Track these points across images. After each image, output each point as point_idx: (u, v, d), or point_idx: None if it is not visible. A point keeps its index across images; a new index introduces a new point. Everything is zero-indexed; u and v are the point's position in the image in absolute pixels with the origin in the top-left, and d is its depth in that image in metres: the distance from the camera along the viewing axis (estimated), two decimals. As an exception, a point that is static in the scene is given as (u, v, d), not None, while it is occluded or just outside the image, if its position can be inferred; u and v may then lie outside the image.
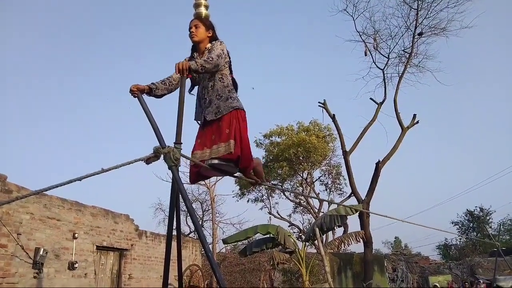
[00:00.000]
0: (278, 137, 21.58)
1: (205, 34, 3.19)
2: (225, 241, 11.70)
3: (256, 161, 3.27)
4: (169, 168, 2.63)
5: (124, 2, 59.43)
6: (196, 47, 3.25)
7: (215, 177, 17.60)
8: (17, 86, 49.07)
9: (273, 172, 21.18)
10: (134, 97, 2.92)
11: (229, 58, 3.20)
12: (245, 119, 3.10)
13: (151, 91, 3.02)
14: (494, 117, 62.71)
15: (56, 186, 1.85)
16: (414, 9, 13.84)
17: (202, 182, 18.15)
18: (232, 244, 19.43)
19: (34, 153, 46.78)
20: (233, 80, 3.25)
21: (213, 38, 3.22)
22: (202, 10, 3.43)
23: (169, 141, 2.69)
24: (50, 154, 47.96)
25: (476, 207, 33.03)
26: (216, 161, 2.94)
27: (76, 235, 8.68)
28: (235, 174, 3.27)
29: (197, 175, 3.19)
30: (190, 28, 3.18)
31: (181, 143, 2.70)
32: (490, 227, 31.42)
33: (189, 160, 2.97)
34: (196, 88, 3.30)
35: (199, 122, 3.22)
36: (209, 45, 3.17)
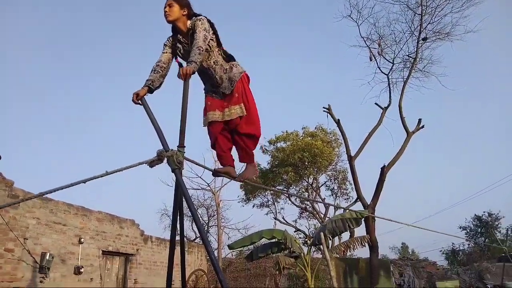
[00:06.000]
0: (284, 143, 21.57)
1: (180, 13, 3.08)
2: (230, 247, 11.66)
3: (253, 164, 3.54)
4: (172, 171, 2.66)
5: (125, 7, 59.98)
6: (175, 28, 3.16)
7: (220, 183, 17.70)
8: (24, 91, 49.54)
9: (278, 177, 21.14)
10: (140, 105, 2.92)
11: (214, 30, 3.13)
12: (248, 82, 3.32)
13: (150, 90, 3.00)
14: (505, 118, 61.89)
15: (61, 188, 1.88)
16: (418, 14, 13.80)
17: (208, 188, 18.23)
18: (238, 250, 19.42)
19: (39, 160, 47.11)
20: (225, 51, 3.26)
21: (190, 16, 3.13)
22: None
23: (173, 144, 2.73)
24: (55, 160, 48.23)
25: (484, 212, 32.71)
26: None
27: (82, 240, 8.73)
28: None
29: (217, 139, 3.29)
30: (164, 8, 3.09)
31: (184, 146, 2.73)
32: (499, 232, 31.06)
33: (188, 161, 2.91)
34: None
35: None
36: (189, 22, 3.10)
